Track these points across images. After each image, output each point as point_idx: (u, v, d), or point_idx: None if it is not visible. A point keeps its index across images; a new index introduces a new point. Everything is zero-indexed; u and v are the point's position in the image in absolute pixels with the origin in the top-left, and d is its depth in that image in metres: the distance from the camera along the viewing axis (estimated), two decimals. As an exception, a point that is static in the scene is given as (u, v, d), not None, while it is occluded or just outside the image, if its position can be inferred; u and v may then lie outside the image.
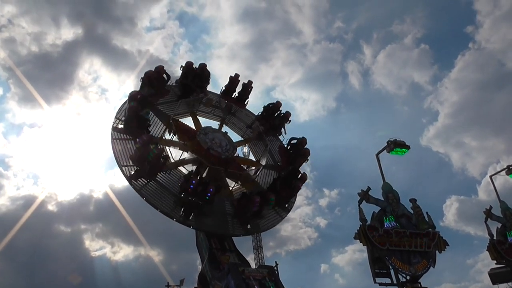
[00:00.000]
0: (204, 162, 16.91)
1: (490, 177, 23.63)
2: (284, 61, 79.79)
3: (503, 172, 22.85)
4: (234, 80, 20.54)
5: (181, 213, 15.21)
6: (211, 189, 15.07)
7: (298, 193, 19.20)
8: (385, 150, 18.17)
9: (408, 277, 15.85)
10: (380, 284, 15.49)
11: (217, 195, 15.83)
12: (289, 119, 20.15)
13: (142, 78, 17.93)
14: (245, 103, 20.91)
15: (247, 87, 20.69)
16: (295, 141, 19.60)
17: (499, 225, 20.59)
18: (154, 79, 18.05)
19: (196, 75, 19.31)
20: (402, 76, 76.24)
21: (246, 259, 16.16)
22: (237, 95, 20.75)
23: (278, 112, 20.37)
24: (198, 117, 19.45)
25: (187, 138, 17.84)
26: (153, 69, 18.32)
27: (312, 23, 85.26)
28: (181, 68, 19.13)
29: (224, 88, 20.61)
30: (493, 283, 19.92)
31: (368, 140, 65.41)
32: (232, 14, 79.79)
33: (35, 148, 69.82)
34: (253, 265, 19.75)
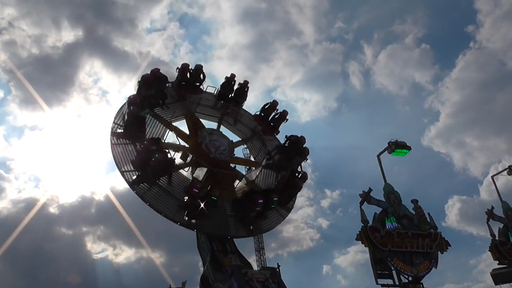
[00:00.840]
0: (190, 153, 16.86)
1: (492, 177, 23.67)
2: (285, 62, 79.84)
3: (505, 172, 22.91)
4: (273, 106, 20.46)
5: (184, 216, 15.34)
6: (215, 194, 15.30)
7: (300, 194, 19.30)
8: (386, 151, 18.24)
9: (410, 278, 15.89)
10: (382, 285, 15.48)
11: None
12: (307, 158, 19.59)
13: (178, 68, 18.45)
14: (277, 132, 20.77)
15: (283, 117, 20.47)
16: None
17: (501, 225, 20.62)
18: (188, 72, 18.49)
19: (235, 90, 19.52)
20: (403, 76, 76.24)
21: (248, 261, 16.16)
22: (271, 123, 20.43)
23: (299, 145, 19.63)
24: (222, 125, 19.60)
25: (194, 133, 17.99)
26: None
27: (312, 24, 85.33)
28: (226, 79, 19.39)
29: (261, 112, 20.50)
30: (496, 284, 19.90)
31: (369, 140, 65.32)
32: (233, 15, 79.70)
33: (37, 151, 69.64)
34: (255, 267, 19.79)
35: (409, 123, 73.58)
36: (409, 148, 18.20)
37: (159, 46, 75.03)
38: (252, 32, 78.96)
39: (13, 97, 74.04)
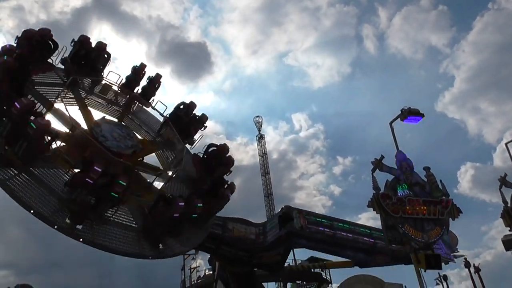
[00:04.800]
0: (101, 151, 13.08)
1: (506, 144, 23.39)
2: (297, 25, 78.67)
3: (519, 139, 22.61)
4: (202, 121, 18.26)
5: (67, 219, 11.35)
6: (120, 182, 11.17)
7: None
8: (399, 118, 18.03)
9: (421, 244, 15.99)
10: (394, 251, 15.67)
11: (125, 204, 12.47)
12: (231, 169, 16.82)
13: (73, 40, 15.61)
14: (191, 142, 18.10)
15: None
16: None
17: (514, 192, 20.52)
18: (88, 47, 15.64)
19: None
20: (419, 40, 74.73)
21: (247, 220, 15.52)
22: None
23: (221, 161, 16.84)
24: (124, 123, 17.08)
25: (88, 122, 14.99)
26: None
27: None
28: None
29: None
30: (507, 250, 20.07)
31: (382, 106, 64.97)
32: (243, -24, 77.77)
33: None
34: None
35: (423, 88, 72.76)
36: (422, 115, 17.97)
37: (168, 9, 74.06)
38: (263, -7, 76.99)
39: (22, 66, 73.78)
